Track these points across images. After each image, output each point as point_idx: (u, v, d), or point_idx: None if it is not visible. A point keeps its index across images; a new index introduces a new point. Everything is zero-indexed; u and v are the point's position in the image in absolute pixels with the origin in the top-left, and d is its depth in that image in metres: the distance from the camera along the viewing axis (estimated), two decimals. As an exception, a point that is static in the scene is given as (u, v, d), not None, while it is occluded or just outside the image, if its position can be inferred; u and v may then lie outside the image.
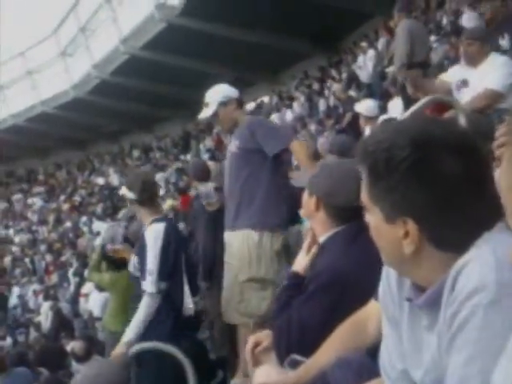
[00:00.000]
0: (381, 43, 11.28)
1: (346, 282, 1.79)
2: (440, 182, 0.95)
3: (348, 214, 1.90)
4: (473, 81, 3.80)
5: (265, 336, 1.91)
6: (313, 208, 1.98)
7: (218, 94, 3.47)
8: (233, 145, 3.43)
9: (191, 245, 4.80)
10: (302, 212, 2.14)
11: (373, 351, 1.66)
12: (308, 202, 2.00)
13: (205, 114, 3.50)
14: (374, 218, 1.05)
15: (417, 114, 1.55)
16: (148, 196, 3.24)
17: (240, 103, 3.57)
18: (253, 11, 14.08)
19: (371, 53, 11.35)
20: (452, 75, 4.08)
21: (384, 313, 1.20)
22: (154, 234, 3.15)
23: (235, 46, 16.07)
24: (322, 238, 1.98)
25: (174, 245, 3.19)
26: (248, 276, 3.28)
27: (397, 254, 1.02)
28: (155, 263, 3.11)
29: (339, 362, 1.51)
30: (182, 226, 9.66)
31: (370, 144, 1.02)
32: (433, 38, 8.04)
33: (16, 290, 15.40)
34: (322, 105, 11.99)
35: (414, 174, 0.96)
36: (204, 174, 4.66)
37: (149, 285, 3.12)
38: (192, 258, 3.86)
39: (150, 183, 3.35)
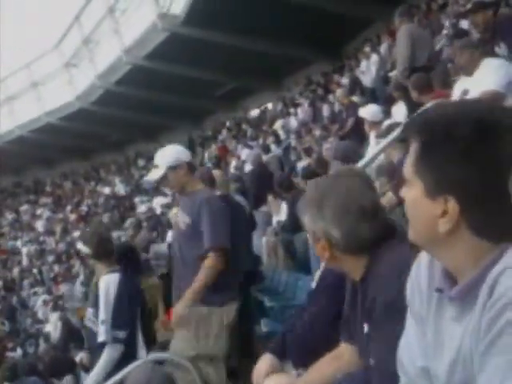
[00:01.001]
0: (383, 48, 11.30)
1: (336, 284, 1.87)
2: (493, 167, 0.93)
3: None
4: (471, 88, 3.82)
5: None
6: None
7: (168, 156, 3.30)
8: (181, 220, 3.26)
9: None
10: None
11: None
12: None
13: (153, 176, 3.39)
14: (413, 191, 1.02)
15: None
16: (103, 251, 3.34)
17: (191, 167, 3.41)
18: (255, 19, 14.13)
19: (374, 57, 11.37)
20: (456, 91, 4.11)
21: (410, 309, 1.18)
22: (107, 285, 3.23)
23: (238, 54, 16.12)
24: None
25: (127, 296, 3.25)
26: (196, 352, 3.14)
27: (430, 231, 1.00)
28: (108, 312, 3.18)
29: (344, 376, 1.55)
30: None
31: (432, 116, 1.01)
32: (441, 40, 8.04)
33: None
34: (325, 110, 12.00)
35: (470, 153, 0.94)
36: (210, 180, 4.67)
37: (102, 334, 3.17)
38: (147, 310, 3.87)
39: (106, 239, 3.44)
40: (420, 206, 1.01)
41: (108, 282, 3.23)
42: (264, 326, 4.39)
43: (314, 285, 2.31)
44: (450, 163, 0.95)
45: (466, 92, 3.84)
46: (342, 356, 1.73)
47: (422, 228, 1.03)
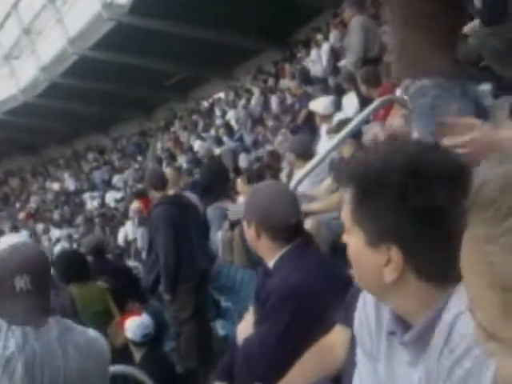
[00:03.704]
0: (333, 37, 11.28)
1: (301, 295, 1.81)
2: (430, 211, 0.92)
3: (290, 233, 1.93)
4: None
5: None
6: (254, 237, 1.97)
7: None
8: None
9: (150, 255, 4.67)
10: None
11: (337, 378, 1.65)
12: (249, 232, 2.00)
13: None
14: (354, 240, 1.00)
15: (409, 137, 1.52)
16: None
17: None
18: (203, 8, 13.90)
19: (325, 46, 11.32)
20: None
21: (359, 343, 1.17)
22: None
23: (188, 44, 15.88)
24: (270, 263, 1.98)
25: None
26: None
27: (376, 280, 0.98)
28: None
29: None
30: (141, 231, 9.47)
31: (361, 164, 0.99)
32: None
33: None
34: (276, 100, 11.93)
35: (404, 201, 0.92)
36: (161, 182, 4.54)
37: None
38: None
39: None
40: (363, 255, 0.99)
41: None
42: (220, 329, 4.29)
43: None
44: (386, 212, 0.93)
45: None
46: (333, 347, 1.66)
47: (368, 277, 1.01)
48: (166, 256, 4.24)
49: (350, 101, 6.19)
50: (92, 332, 1.89)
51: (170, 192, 4.76)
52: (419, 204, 0.92)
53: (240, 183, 5.94)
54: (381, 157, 0.97)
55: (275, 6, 13.91)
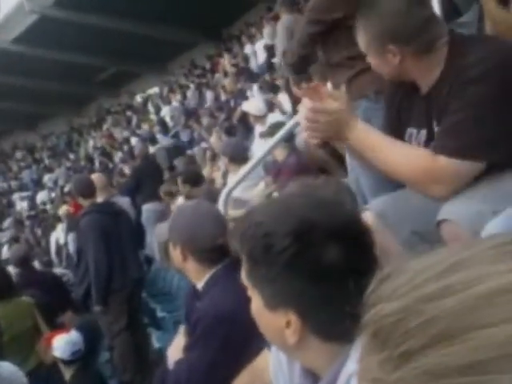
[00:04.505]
0: (266, 33, 11.22)
1: (230, 319, 1.77)
2: (322, 273, 0.91)
3: (217, 254, 1.88)
4: None
5: None
6: (181, 259, 1.90)
7: None
8: None
9: (80, 266, 4.49)
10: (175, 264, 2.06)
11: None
12: (174, 254, 1.93)
13: None
14: (254, 301, 0.99)
15: (302, 191, 1.48)
16: None
17: None
18: (134, 1, 13.52)
19: (261, 42, 11.22)
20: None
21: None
22: None
23: (118, 38, 15.43)
24: (199, 285, 1.93)
25: None
26: None
27: (279, 341, 0.98)
28: None
29: None
30: (73, 236, 9.07)
31: (249, 226, 0.97)
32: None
33: None
34: (211, 96, 11.75)
35: (294, 265, 0.91)
36: (88, 190, 4.34)
37: None
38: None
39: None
40: (264, 317, 0.98)
41: None
42: (156, 341, 4.15)
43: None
44: (278, 278, 0.93)
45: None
46: (264, 371, 1.59)
47: (272, 337, 1.01)
48: (96, 266, 4.11)
49: (284, 98, 6.17)
50: (6, 368, 1.74)
51: (99, 199, 4.57)
52: (309, 267, 0.91)
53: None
54: (269, 219, 0.95)
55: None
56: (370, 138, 1.48)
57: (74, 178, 5.41)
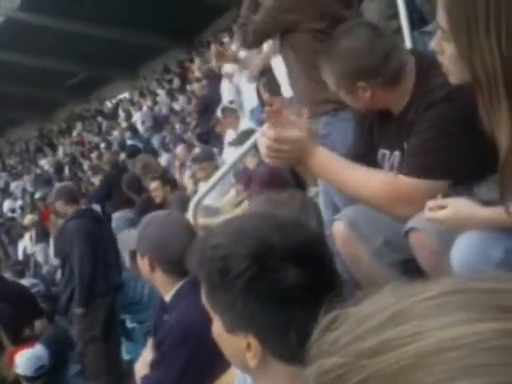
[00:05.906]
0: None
1: (198, 334, 1.72)
2: (280, 297, 0.90)
3: (185, 267, 1.80)
4: None
5: None
6: (149, 270, 1.86)
7: None
8: None
9: (64, 272, 4.42)
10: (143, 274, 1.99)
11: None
12: (142, 265, 1.89)
13: None
14: (215, 323, 0.97)
15: (261, 211, 1.49)
16: None
17: None
18: (103, 6, 13.37)
19: (233, 47, 11.17)
20: None
21: None
22: None
23: (88, 42, 15.24)
24: (167, 298, 1.90)
25: None
26: None
27: (241, 364, 0.97)
28: None
29: None
30: (42, 246, 8.87)
31: (207, 248, 0.95)
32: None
33: None
34: (183, 102, 11.66)
35: (252, 289, 0.90)
36: (73, 196, 4.37)
37: None
38: None
39: None
40: (225, 340, 0.97)
41: None
42: (125, 353, 4.06)
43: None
44: (235, 302, 0.91)
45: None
46: None
47: (234, 360, 1.01)
48: (81, 268, 4.11)
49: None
50: None
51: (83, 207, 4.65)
52: (268, 290, 0.89)
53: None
54: (226, 241, 0.93)
55: (182, 5, 13.66)
56: (331, 164, 1.50)
57: (58, 186, 5.47)
